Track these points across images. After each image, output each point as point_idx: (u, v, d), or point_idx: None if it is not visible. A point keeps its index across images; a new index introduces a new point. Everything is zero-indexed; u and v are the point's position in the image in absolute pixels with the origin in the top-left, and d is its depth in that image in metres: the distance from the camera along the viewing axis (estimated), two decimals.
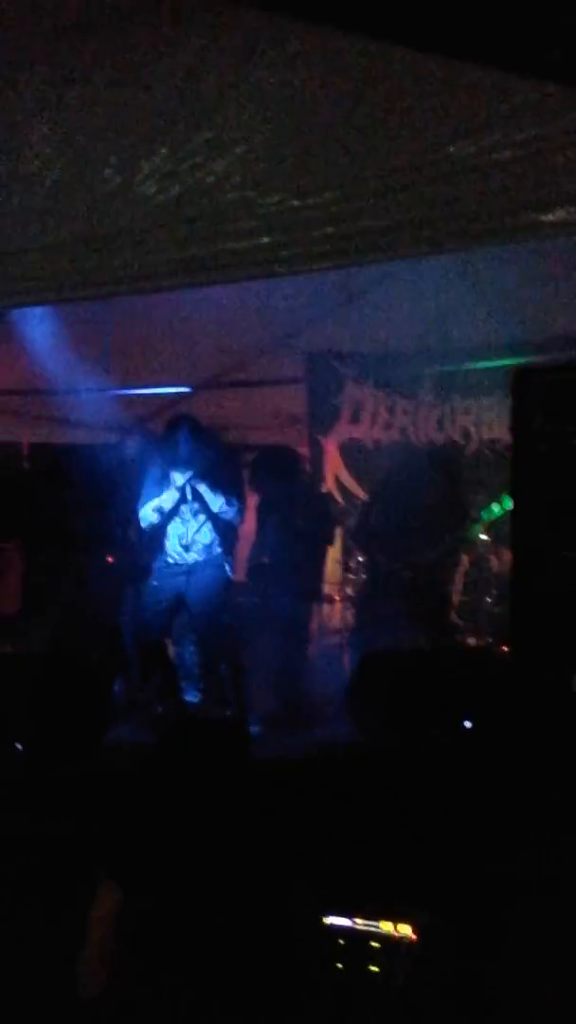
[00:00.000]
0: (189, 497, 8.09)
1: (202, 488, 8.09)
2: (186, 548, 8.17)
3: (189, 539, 8.19)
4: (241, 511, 8.30)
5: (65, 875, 4.57)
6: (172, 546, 8.21)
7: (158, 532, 8.24)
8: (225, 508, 8.10)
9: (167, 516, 8.18)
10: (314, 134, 4.84)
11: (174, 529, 8.18)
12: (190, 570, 8.19)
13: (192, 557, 8.18)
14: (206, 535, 8.16)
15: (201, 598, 8.17)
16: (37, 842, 4.72)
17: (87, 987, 4.07)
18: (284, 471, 9.21)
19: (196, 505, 8.11)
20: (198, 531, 8.18)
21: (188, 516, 8.16)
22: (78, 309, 7.57)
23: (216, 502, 8.05)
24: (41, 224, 5.05)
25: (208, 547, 8.17)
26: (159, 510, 8.16)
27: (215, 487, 8.12)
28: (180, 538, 8.20)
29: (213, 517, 8.15)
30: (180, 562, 8.19)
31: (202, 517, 8.15)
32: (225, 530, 8.24)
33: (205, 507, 8.07)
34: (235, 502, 8.18)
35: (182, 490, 8.08)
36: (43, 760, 5.25)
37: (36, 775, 5.19)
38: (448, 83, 4.63)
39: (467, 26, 4.39)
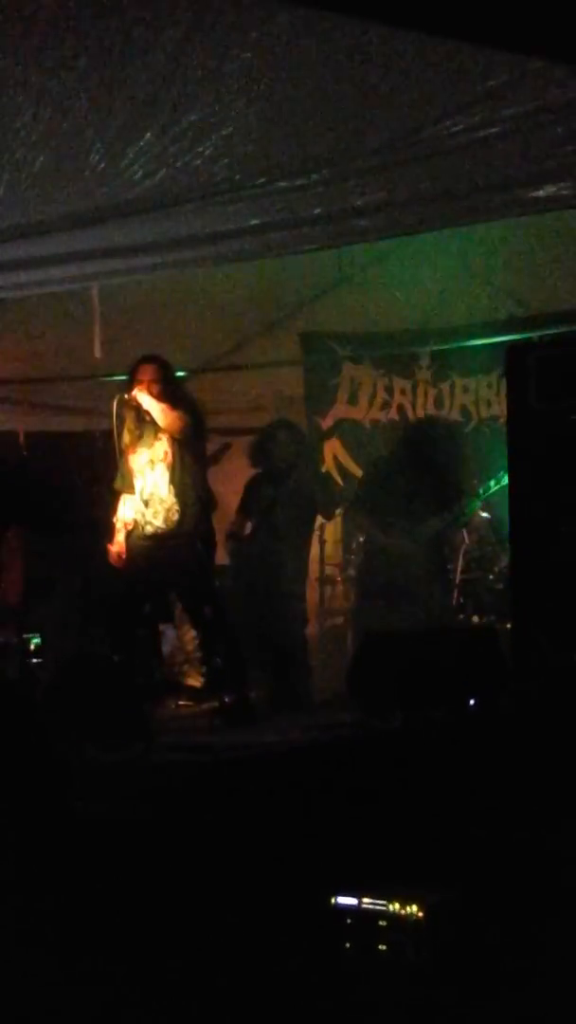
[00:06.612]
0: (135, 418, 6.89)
1: (144, 399, 6.86)
2: (146, 504, 6.95)
3: (148, 490, 6.96)
4: (194, 426, 6.97)
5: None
6: (138, 507, 7.00)
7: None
8: (175, 421, 6.85)
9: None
10: (301, 115, 4.83)
11: (138, 484, 6.96)
12: (165, 538, 6.97)
13: (155, 518, 6.95)
14: (161, 482, 6.92)
15: (182, 578, 7.15)
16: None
17: None
18: (287, 446, 9.03)
19: (142, 423, 6.92)
20: (152, 466, 6.97)
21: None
22: (69, 294, 7.54)
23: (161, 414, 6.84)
24: (28, 209, 5.05)
25: (174, 513, 6.93)
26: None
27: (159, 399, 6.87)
28: (140, 493, 6.96)
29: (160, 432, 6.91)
30: (154, 530, 6.98)
31: (152, 441, 6.92)
32: (181, 456, 6.93)
33: (152, 423, 6.88)
34: (186, 418, 6.87)
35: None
36: None
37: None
38: (434, 61, 4.61)
39: (452, 4, 4.37)
